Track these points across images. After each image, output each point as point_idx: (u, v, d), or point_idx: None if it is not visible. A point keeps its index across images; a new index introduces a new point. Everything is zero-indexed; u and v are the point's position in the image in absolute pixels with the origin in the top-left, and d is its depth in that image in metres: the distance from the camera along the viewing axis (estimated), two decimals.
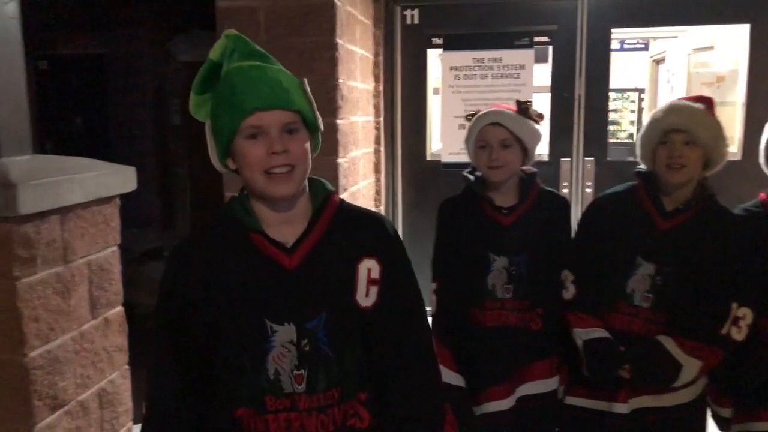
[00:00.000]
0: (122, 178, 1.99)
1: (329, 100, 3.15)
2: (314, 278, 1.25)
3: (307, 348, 1.24)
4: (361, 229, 1.32)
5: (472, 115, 2.06)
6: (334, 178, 3.23)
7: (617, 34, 4.17)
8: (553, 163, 3.97)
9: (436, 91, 4.55)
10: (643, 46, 6.57)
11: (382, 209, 4.20)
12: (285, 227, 1.27)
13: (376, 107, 4.04)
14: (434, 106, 4.34)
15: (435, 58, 4.27)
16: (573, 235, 2.11)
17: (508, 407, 2.02)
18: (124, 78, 6.63)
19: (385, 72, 4.06)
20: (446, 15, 4.01)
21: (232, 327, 1.24)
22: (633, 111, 7.50)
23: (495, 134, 1.96)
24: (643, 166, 1.98)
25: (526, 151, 2.00)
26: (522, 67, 3.82)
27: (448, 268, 2.07)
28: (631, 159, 2.00)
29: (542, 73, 4.15)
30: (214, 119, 1.24)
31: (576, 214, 4.01)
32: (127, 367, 2.13)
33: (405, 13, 4.04)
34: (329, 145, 3.20)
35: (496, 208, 2.01)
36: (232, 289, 1.24)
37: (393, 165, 4.23)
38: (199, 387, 1.28)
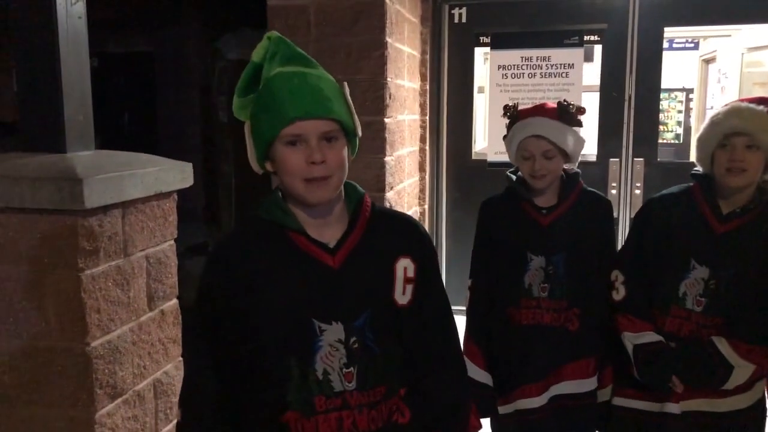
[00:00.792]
0: (180, 174, 2.04)
1: (377, 98, 3.17)
2: (357, 277, 1.27)
3: (356, 345, 1.25)
4: (396, 230, 1.35)
5: (511, 109, 2.04)
6: (381, 176, 3.25)
7: (668, 33, 4.10)
8: (601, 164, 3.92)
9: (480, 90, 4.53)
10: (692, 45, 6.44)
11: (426, 208, 4.20)
12: (323, 229, 1.28)
13: (422, 106, 4.04)
14: (478, 104, 4.32)
15: (480, 56, 4.26)
16: (615, 236, 2.09)
17: (540, 405, 2.01)
18: (173, 75, 6.76)
19: (432, 70, 4.06)
20: (494, 13, 3.99)
21: (277, 329, 1.25)
22: (680, 111, 7.36)
23: (538, 146, 1.95)
24: (699, 169, 1.94)
25: (568, 157, 2.00)
26: (571, 66, 3.78)
27: (485, 265, 2.07)
28: (680, 160, 1.98)
29: (588, 72, 4.11)
30: (254, 122, 1.26)
31: (624, 216, 3.96)
32: (180, 358, 2.17)
33: (453, 11, 4.03)
34: (377, 143, 3.22)
35: (536, 207, 2.01)
36: (276, 291, 1.25)
37: (438, 164, 4.23)
38: (239, 393, 1.28)
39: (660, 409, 1.92)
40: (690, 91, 7.00)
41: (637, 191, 3.85)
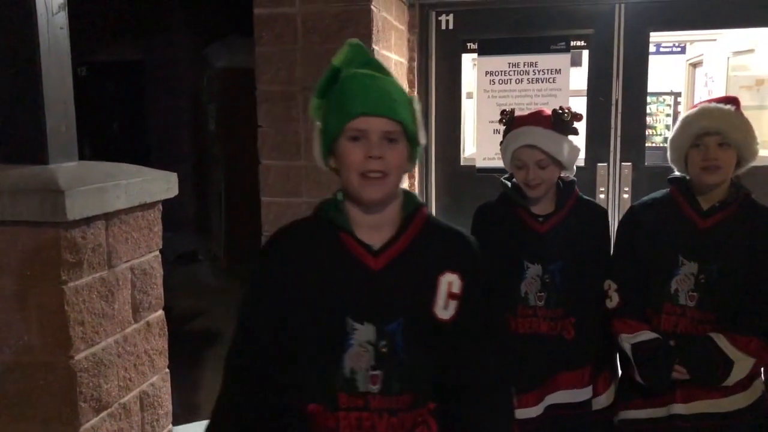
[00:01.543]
0: (165, 184, 2.03)
1: None
2: (397, 283, 1.29)
3: (385, 350, 1.27)
4: (447, 244, 1.36)
5: (507, 114, 2.04)
6: None
7: (654, 37, 4.12)
8: (589, 168, 3.92)
9: (468, 96, 4.53)
10: (679, 49, 6.47)
11: None
12: (373, 231, 1.31)
13: None
14: (467, 110, 4.32)
15: (468, 62, 4.26)
16: (611, 244, 2.10)
17: (536, 415, 2.01)
18: (162, 84, 6.74)
19: (419, 77, 4.06)
20: (481, 20, 4.00)
21: (313, 322, 1.29)
22: (668, 115, 7.39)
23: (531, 156, 1.95)
24: (676, 173, 2.01)
25: (563, 165, 1.99)
26: (558, 71, 3.79)
27: None
28: (668, 164, 2.03)
29: (576, 77, 4.11)
30: (324, 120, 1.31)
31: (613, 221, 3.96)
32: (167, 370, 2.16)
33: (440, 18, 4.03)
34: None
35: (533, 215, 2.00)
36: (316, 285, 1.29)
37: (427, 169, 4.23)
38: (274, 379, 1.33)
39: (666, 413, 1.93)
40: (678, 94, 7.03)
41: (625, 195, 3.86)
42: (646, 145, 4.10)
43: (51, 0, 1.77)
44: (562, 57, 3.79)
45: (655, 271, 1.96)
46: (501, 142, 2.08)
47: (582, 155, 3.96)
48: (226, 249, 6.38)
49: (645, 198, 2.09)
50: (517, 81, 3.86)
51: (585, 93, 3.94)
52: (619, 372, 2.13)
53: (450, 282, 1.31)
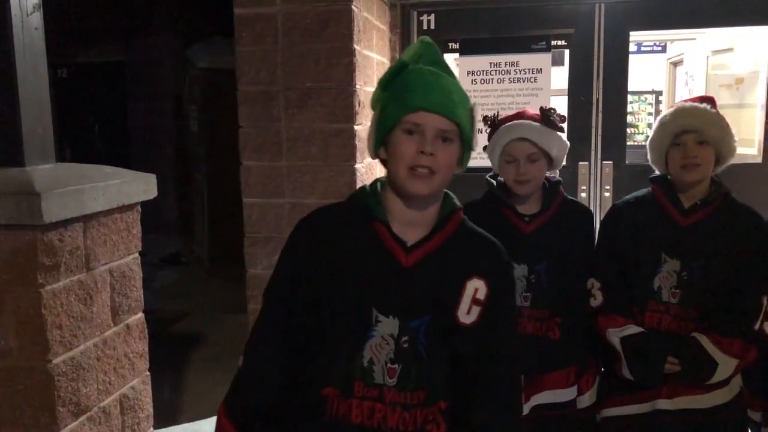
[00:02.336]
0: (144, 186, 2.01)
1: (347, 106, 3.16)
2: (425, 281, 1.30)
3: (406, 345, 1.28)
4: (478, 250, 1.37)
5: (492, 119, 2.05)
6: (352, 184, 3.24)
7: (635, 36, 4.15)
8: (570, 167, 3.95)
9: None
10: (660, 48, 6.53)
11: None
12: (409, 227, 1.32)
13: None
14: None
15: (451, 62, 4.27)
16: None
17: (523, 415, 2.01)
18: (143, 85, 6.70)
19: None
20: (462, 19, 4.01)
21: (340, 308, 1.30)
22: (650, 113, 7.45)
23: (522, 149, 1.94)
24: (656, 173, 2.04)
25: (551, 162, 2.00)
26: (539, 70, 3.81)
27: None
28: (649, 163, 2.06)
29: (558, 77, 4.14)
30: (382, 110, 1.31)
31: (595, 219, 3.99)
32: (147, 373, 2.14)
33: (421, 18, 4.04)
34: (347, 150, 3.21)
35: (519, 215, 2.00)
36: (346, 273, 1.30)
37: None
38: (295, 358, 1.34)
39: (651, 408, 1.94)
40: (659, 93, 7.09)
41: (607, 194, 3.89)
42: (628, 143, 4.14)
43: (26, 0, 1.75)
44: (543, 56, 3.81)
45: (638, 269, 1.98)
46: (485, 147, 2.08)
47: None
48: (210, 251, 6.35)
49: (627, 197, 2.11)
50: (499, 81, 3.87)
51: (566, 92, 3.97)
52: (601, 370, 2.14)
53: (476, 288, 1.32)
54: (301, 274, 1.33)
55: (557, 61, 4.16)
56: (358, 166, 3.27)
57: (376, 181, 1.38)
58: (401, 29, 4.01)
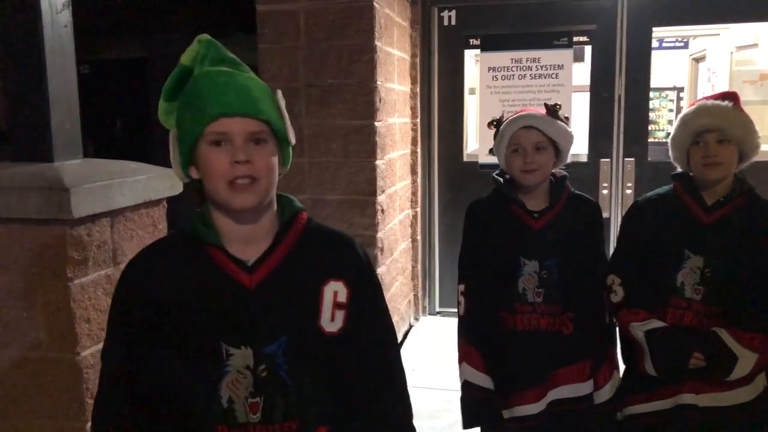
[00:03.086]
0: (169, 182, 2.03)
1: (367, 102, 3.17)
2: (276, 300, 1.17)
3: (264, 374, 1.15)
4: (329, 250, 1.24)
5: (497, 121, 2.05)
6: (373, 180, 3.25)
7: (657, 32, 4.12)
8: (592, 164, 3.93)
9: (471, 91, 4.54)
10: (682, 44, 6.46)
11: (418, 210, 4.21)
12: (247, 244, 1.18)
13: (413, 109, 4.05)
14: (470, 106, 4.33)
15: (471, 58, 4.26)
16: (605, 238, 2.11)
17: (539, 411, 2.01)
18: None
19: (422, 73, 4.06)
20: (483, 16, 4.00)
21: (185, 348, 1.15)
22: (671, 110, 7.38)
23: (529, 137, 1.95)
24: (678, 169, 2.02)
25: (558, 154, 2.00)
26: (561, 67, 3.79)
27: (475, 270, 2.06)
28: (671, 160, 2.06)
29: (578, 73, 4.11)
30: (179, 125, 1.18)
31: (616, 216, 3.97)
32: None
33: (442, 14, 4.04)
34: (368, 147, 3.22)
35: (527, 211, 2.00)
36: (186, 307, 1.16)
37: (429, 166, 4.23)
38: (150, 408, 1.19)
39: (673, 404, 1.93)
40: (681, 89, 7.02)
41: (628, 191, 3.87)
42: (649, 140, 4.11)
43: None
44: (564, 53, 3.80)
45: (660, 265, 1.97)
46: (491, 150, 2.08)
47: (585, 150, 3.98)
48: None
49: (649, 193, 2.10)
50: (520, 77, 3.86)
51: (588, 88, 3.95)
52: (621, 367, 2.13)
53: (335, 291, 1.20)
54: (138, 325, 1.17)
55: (577, 57, 4.14)
56: (378, 162, 3.28)
57: (201, 203, 1.22)
58: (422, 26, 4.01)
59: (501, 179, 2.06)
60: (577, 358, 2.01)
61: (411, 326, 4.25)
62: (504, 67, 3.88)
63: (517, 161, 1.97)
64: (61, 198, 1.62)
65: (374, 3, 3.09)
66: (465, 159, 4.23)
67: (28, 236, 1.67)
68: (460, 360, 2.03)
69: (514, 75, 3.87)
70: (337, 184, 3.26)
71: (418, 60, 4.01)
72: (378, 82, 3.18)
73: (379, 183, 3.31)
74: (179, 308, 1.16)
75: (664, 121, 7.42)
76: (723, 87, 5.03)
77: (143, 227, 1.96)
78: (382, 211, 3.39)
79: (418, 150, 4.12)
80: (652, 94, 5.98)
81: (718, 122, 1.87)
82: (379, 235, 3.37)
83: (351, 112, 3.19)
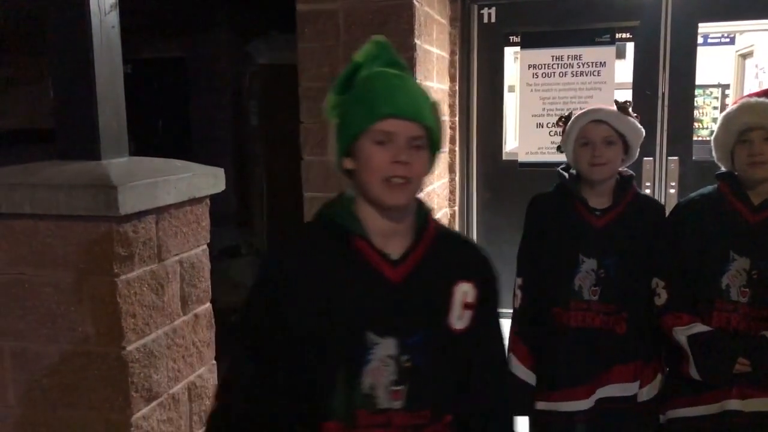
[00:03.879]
0: (213, 180, 2.06)
1: None
2: (418, 294, 1.24)
3: (408, 364, 1.21)
4: (460, 252, 1.32)
5: (566, 118, 2.04)
6: None
7: (703, 28, 4.03)
8: (635, 163, 3.84)
9: (510, 89, 4.49)
10: (728, 40, 6.30)
11: (456, 209, 4.18)
12: (390, 239, 1.24)
13: (452, 107, 4.03)
14: (509, 104, 4.29)
15: (510, 55, 4.22)
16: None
17: (587, 408, 2.00)
18: (204, 80, 6.82)
19: (461, 71, 4.04)
20: (524, 13, 3.96)
21: (330, 336, 1.21)
22: (716, 108, 7.20)
23: (598, 131, 1.94)
24: (722, 169, 1.99)
25: (627, 149, 1.98)
26: (603, 64, 3.73)
27: (534, 264, 2.05)
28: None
29: (621, 70, 4.04)
30: (343, 117, 1.23)
31: None
32: (214, 362, 2.20)
33: (482, 11, 4.01)
34: None
35: (590, 209, 1.98)
36: (333, 297, 1.21)
37: (468, 165, 4.21)
38: (284, 396, 1.24)
39: (720, 410, 1.89)
40: (726, 86, 6.85)
41: (672, 190, 3.79)
42: (693, 138, 4.02)
43: (104, 0, 1.81)
44: (607, 50, 3.74)
45: (704, 268, 1.94)
46: (559, 147, 2.07)
47: None
48: (269, 243, 6.44)
49: (692, 194, 2.07)
50: (561, 74, 3.81)
51: (630, 86, 3.88)
52: (665, 369, 2.10)
53: (465, 292, 1.26)
54: (277, 312, 1.22)
55: (619, 54, 4.07)
56: None
57: (339, 196, 1.29)
58: (461, 23, 3.99)
59: (566, 174, 2.05)
60: (629, 358, 2.01)
61: None
62: (545, 64, 3.84)
63: (585, 154, 1.96)
64: (109, 195, 1.65)
65: (414, 1, 3.08)
66: (504, 158, 4.19)
67: (77, 232, 1.70)
68: (508, 350, 2.04)
69: (555, 72, 3.82)
70: None
71: (457, 58, 3.98)
72: (417, 81, 3.17)
73: None
74: (326, 297, 1.21)
75: (708, 119, 7.25)
76: None
77: (187, 224, 1.99)
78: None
79: (456, 148, 4.10)
80: (696, 92, 5.86)
81: (762, 120, 1.84)
82: None
83: None
